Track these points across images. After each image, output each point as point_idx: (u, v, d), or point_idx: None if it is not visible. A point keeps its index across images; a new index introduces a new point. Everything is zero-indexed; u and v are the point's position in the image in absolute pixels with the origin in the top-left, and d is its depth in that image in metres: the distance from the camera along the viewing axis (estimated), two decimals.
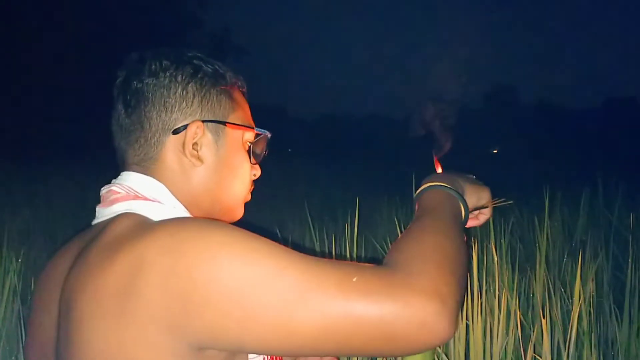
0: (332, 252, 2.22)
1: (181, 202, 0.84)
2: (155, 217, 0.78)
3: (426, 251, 0.72)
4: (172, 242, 0.68)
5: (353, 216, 1.98)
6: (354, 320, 0.65)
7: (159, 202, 0.81)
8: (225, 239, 0.68)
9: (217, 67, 0.89)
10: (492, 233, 1.90)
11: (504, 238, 2.25)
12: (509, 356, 1.66)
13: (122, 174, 0.86)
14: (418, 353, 0.69)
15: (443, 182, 0.90)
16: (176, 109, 0.84)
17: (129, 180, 0.84)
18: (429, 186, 0.90)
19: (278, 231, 3.19)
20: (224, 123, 0.87)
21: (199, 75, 0.86)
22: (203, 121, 0.85)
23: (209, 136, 0.86)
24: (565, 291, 2.12)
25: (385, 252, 0.76)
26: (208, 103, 0.86)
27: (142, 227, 0.74)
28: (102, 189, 0.85)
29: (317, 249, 2.48)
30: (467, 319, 1.62)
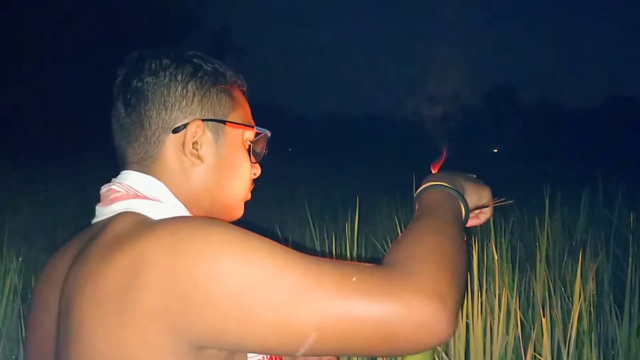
0: (332, 251, 2.22)
1: (181, 201, 0.84)
2: (155, 216, 0.78)
3: (426, 251, 0.72)
4: (172, 242, 0.68)
5: (353, 215, 1.98)
6: (354, 320, 0.65)
7: (158, 201, 0.81)
8: (225, 238, 0.68)
9: (217, 66, 0.89)
10: (492, 232, 1.90)
11: (504, 237, 2.25)
12: (509, 355, 1.66)
13: (122, 172, 0.86)
14: (418, 353, 0.69)
15: (443, 182, 0.90)
16: (176, 107, 0.84)
17: (129, 179, 0.84)
18: (429, 186, 0.90)
19: (278, 230, 3.19)
20: (224, 122, 0.87)
21: (199, 74, 0.86)
22: (203, 120, 0.85)
23: (209, 135, 0.86)
24: (565, 290, 2.11)
25: (386, 251, 0.76)
26: (208, 102, 0.86)
27: (142, 226, 0.73)
28: (102, 187, 0.85)
29: (318, 248, 2.48)
30: (467, 317, 1.62)
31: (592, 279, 1.97)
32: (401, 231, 1.08)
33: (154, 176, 0.84)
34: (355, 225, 1.91)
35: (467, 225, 0.92)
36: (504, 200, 1.02)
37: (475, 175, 0.99)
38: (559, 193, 3.46)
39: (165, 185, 0.83)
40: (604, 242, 2.78)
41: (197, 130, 0.84)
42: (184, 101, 0.84)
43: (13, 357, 2.01)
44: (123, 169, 0.86)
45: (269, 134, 0.94)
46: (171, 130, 0.84)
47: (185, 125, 0.84)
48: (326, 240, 2.45)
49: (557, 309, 1.75)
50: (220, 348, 0.70)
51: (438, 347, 1.55)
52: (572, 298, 1.85)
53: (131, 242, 0.70)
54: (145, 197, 0.81)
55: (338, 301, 0.65)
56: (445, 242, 0.75)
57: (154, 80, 0.84)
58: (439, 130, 1.11)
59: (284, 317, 0.64)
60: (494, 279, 1.75)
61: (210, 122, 0.86)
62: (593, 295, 1.94)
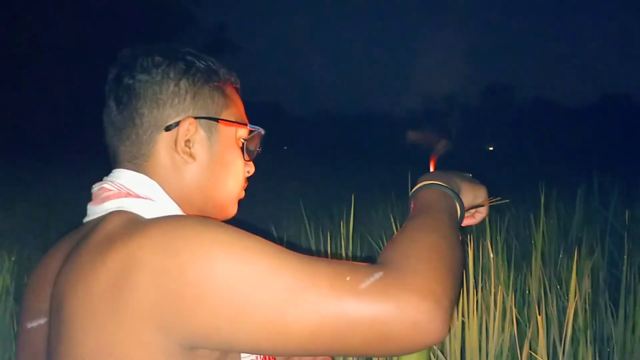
0: (327, 250, 2.21)
1: (174, 200, 0.83)
2: (147, 214, 0.77)
3: (420, 250, 0.72)
4: (164, 241, 0.67)
5: (348, 214, 1.98)
6: (347, 320, 0.64)
7: (151, 199, 0.81)
8: (218, 237, 0.67)
9: (210, 63, 0.88)
10: (488, 230, 1.91)
11: (500, 235, 2.26)
12: (505, 353, 1.66)
13: (113, 171, 0.85)
14: (412, 352, 0.69)
15: (439, 181, 0.89)
16: (168, 105, 0.83)
17: (121, 177, 0.83)
18: (425, 184, 0.90)
19: (273, 229, 3.19)
20: (216, 120, 0.86)
21: (192, 72, 0.85)
22: (195, 118, 0.84)
23: (201, 133, 0.85)
24: (561, 288, 2.12)
25: (381, 250, 0.76)
26: (201, 99, 0.85)
27: (133, 225, 0.73)
28: (94, 186, 0.84)
29: (313, 247, 2.48)
30: (462, 316, 1.62)
31: (588, 276, 1.98)
32: (396, 230, 1.07)
33: (146, 174, 0.83)
34: (351, 224, 1.91)
35: (462, 225, 0.92)
36: (500, 200, 1.02)
37: (471, 175, 0.99)
38: (555, 191, 3.47)
39: (158, 183, 0.83)
40: (600, 240, 2.79)
41: (190, 128, 0.83)
42: (177, 99, 0.83)
43: (6, 357, 2.00)
44: (115, 167, 0.86)
45: (263, 132, 0.93)
46: (163, 128, 0.83)
47: (177, 123, 0.83)
48: (321, 239, 2.45)
49: (552, 306, 1.75)
50: (212, 348, 0.69)
51: (434, 346, 1.55)
52: (567, 296, 1.86)
53: (123, 241, 0.69)
54: (138, 196, 0.80)
55: (332, 301, 0.64)
56: (440, 242, 0.75)
57: (146, 77, 0.83)
58: (435, 128, 1.10)
59: (277, 317, 0.64)
60: (489, 277, 1.75)
61: (203, 120, 0.85)
62: (588, 293, 1.94)
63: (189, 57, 0.86)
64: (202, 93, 0.85)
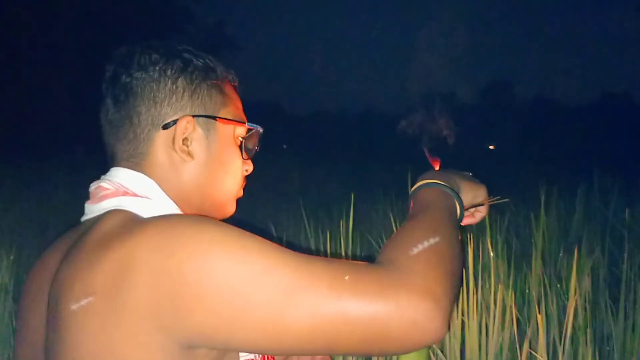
0: (327, 249, 2.21)
1: (171, 199, 0.83)
2: (145, 213, 0.77)
3: (419, 249, 0.72)
4: (162, 240, 0.67)
5: (348, 213, 1.98)
6: (346, 320, 0.64)
7: (148, 198, 0.80)
8: (216, 236, 0.67)
9: (207, 61, 0.87)
10: (488, 229, 1.90)
11: (500, 234, 2.25)
12: (505, 352, 1.66)
13: (111, 169, 0.85)
14: (411, 352, 0.68)
15: (438, 180, 0.89)
16: (166, 103, 0.83)
17: (118, 176, 0.82)
18: (424, 183, 0.89)
19: (273, 228, 3.19)
20: (214, 118, 0.86)
21: (189, 69, 0.85)
22: (193, 116, 0.84)
23: (199, 131, 0.85)
24: (561, 287, 2.12)
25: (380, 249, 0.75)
26: (198, 97, 0.85)
27: (131, 224, 0.72)
28: (91, 185, 0.84)
29: (312, 246, 2.47)
30: (462, 315, 1.62)
31: (588, 275, 1.97)
32: (396, 229, 1.07)
33: (143, 173, 0.83)
34: (350, 223, 1.91)
35: (462, 224, 0.91)
36: (500, 199, 1.02)
37: (471, 174, 0.99)
38: (555, 189, 3.47)
39: (155, 182, 0.82)
40: (600, 239, 2.79)
41: (188, 126, 0.83)
42: (174, 97, 0.83)
43: (5, 356, 1.99)
44: (112, 166, 0.85)
45: (261, 130, 0.93)
46: (161, 126, 0.83)
47: (175, 121, 0.83)
48: (321, 238, 2.45)
49: (552, 305, 1.75)
50: (211, 347, 0.69)
51: (433, 345, 1.55)
52: (567, 295, 1.85)
53: (120, 240, 0.69)
54: (135, 195, 0.80)
55: (330, 300, 0.64)
56: (440, 241, 0.74)
57: (143, 75, 0.82)
58: (435, 129, 1.10)
59: (275, 316, 0.64)
60: (489, 276, 1.75)
61: (200, 118, 0.85)
62: (588, 291, 1.94)
63: (186, 55, 0.86)
64: (199, 91, 0.85)
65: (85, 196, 0.84)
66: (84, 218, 0.83)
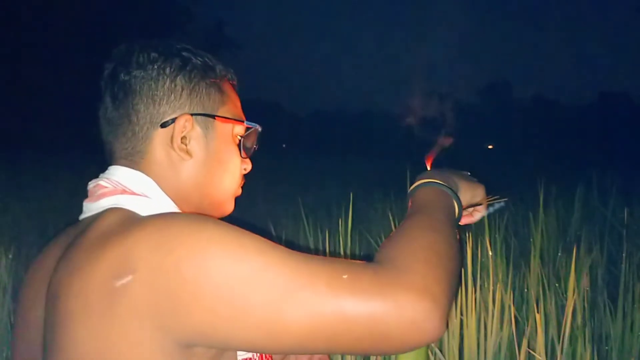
0: (326, 248, 2.21)
1: (170, 197, 0.83)
2: (143, 212, 0.77)
3: (417, 249, 0.72)
4: (160, 238, 0.67)
5: (347, 212, 1.97)
6: (344, 319, 0.64)
7: (146, 196, 0.80)
8: (215, 235, 0.67)
9: (206, 60, 0.87)
10: (486, 228, 1.90)
11: (499, 233, 2.25)
12: (503, 351, 1.65)
13: (109, 168, 0.85)
14: (409, 351, 0.68)
15: (437, 179, 0.89)
16: (164, 102, 0.83)
17: (117, 174, 0.82)
18: (423, 183, 0.89)
19: (272, 227, 3.18)
20: (213, 116, 0.86)
21: (188, 68, 0.85)
22: (192, 114, 0.84)
23: (198, 130, 0.85)
24: (559, 286, 2.11)
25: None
26: (197, 96, 0.85)
27: (129, 222, 0.72)
28: (90, 183, 0.84)
29: (311, 245, 2.47)
30: (461, 314, 1.62)
31: (586, 274, 1.97)
32: (395, 228, 1.07)
33: (142, 171, 0.83)
34: (349, 222, 1.90)
35: (460, 223, 0.91)
36: (498, 198, 1.01)
37: (469, 173, 0.99)
38: (554, 189, 3.47)
39: (154, 180, 0.82)
40: (598, 238, 2.79)
41: (186, 125, 0.83)
42: (172, 95, 0.83)
43: (4, 355, 1.99)
44: (111, 164, 0.85)
45: (260, 129, 0.93)
46: (159, 124, 0.83)
47: (173, 120, 0.83)
48: (320, 237, 2.44)
49: (551, 305, 1.75)
50: (209, 346, 0.69)
51: (432, 344, 1.55)
52: (566, 294, 1.85)
53: (119, 239, 0.69)
54: (133, 193, 0.80)
55: (328, 299, 0.64)
56: (438, 240, 0.74)
57: (142, 73, 0.82)
58: (433, 126, 1.10)
59: (273, 316, 0.64)
60: (488, 275, 1.74)
61: (199, 117, 0.84)
62: (587, 291, 1.94)
63: (185, 53, 0.86)
64: (198, 89, 0.85)
65: (84, 194, 0.84)
66: (82, 216, 0.83)
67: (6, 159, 7.51)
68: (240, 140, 0.90)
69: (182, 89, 0.84)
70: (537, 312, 1.51)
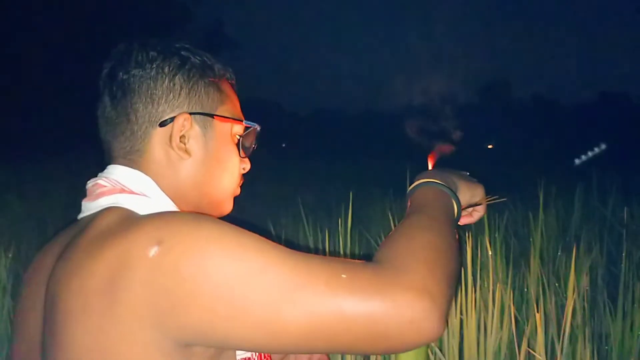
0: (325, 248, 2.21)
1: (168, 196, 0.82)
2: (142, 211, 0.77)
3: (416, 248, 0.71)
4: (159, 237, 0.66)
5: (347, 211, 1.97)
6: (343, 318, 0.64)
7: (145, 195, 0.80)
8: (213, 234, 0.67)
9: (205, 59, 0.87)
10: (486, 227, 1.90)
11: (498, 232, 2.25)
12: (503, 351, 1.66)
13: (108, 167, 0.85)
14: (408, 350, 0.68)
15: (436, 179, 0.89)
16: (163, 100, 0.83)
17: (115, 173, 0.82)
18: (422, 183, 0.89)
19: (272, 227, 3.18)
20: (212, 115, 0.86)
21: (187, 67, 0.84)
22: (191, 113, 0.84)
23: (196, 129, 0.84)
24: (559, 286, 2.12)
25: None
26: (196, 95, 0.85)
27: (128, 221, 0.72)
28: (88, 182, 0.84)
29: (311, 244, 2.47)
30: (461, 313, 1.62)
31: (586, 274, 1.98)
32: (394, 227, 1.07)
33: (140, 170, 0.82)
34: (349, 222, 1.90)
35: (460, 223, 0.91)
36: (497, 198, 1.01)
37: (468, 173, 0.99)
38: (553, 189, 3.47)
39: (152, 179, 0.82)
40: (598, 238, 2.79)
41: (185, 124, 0.83)
42: (171, 94, 0.83)
43: (3, 354, 1.99)
44: (109, 163, 0.85)
45: (259, 128, 0.93)
46: (158, 123, 0.82)
47: (172, 119, 0.82)
48: (319, 237, 2.45)
49: (551, 304, 1.75)
50: (207, 345, 0.69)
51: (432, 343, 1.55)
52: (566, 293, 1.86)
53: (117, 238, 0.69)
54: (132, 192, 0.80)
55: (327, 299, 0.64)
56: (437, 240, 0.74)
57: (141, 72, 0.82)
58: (432, 127, 1.09)
59: (272, 315, 0.64)
60: (487, 275, 1.74)
61: (198, 116, 0.84)
62: (587, 290, 1.94)
63: (183, 53, 0.86)
64: (197, 89, 0.85)
65: (83, 193, 0.84)
66: (80, 215, 0.82)
67: (6, 158, 7.50)
68: (239, 140, 0.90)
69: (181, 88, 0.84)
70: (537, 312, 1.51)
